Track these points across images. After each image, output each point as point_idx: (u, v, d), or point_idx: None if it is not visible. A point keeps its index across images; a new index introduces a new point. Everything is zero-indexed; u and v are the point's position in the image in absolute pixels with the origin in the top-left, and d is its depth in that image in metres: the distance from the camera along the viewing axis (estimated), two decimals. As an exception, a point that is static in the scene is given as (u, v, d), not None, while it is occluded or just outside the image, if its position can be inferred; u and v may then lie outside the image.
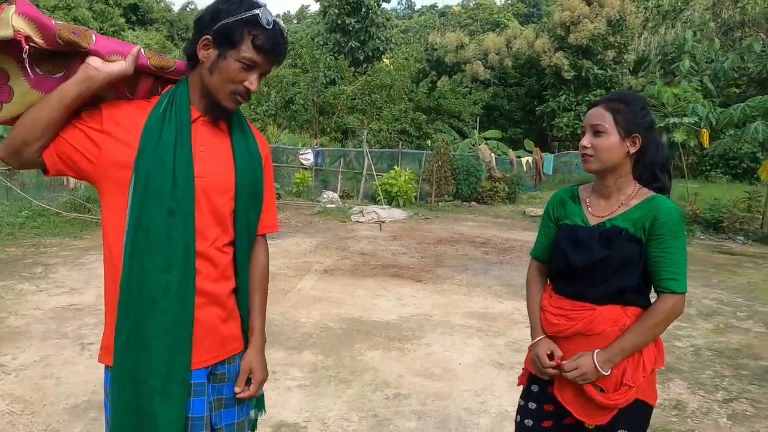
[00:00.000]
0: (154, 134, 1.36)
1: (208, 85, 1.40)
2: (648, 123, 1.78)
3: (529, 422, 1.90)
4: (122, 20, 39.64)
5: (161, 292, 1.34)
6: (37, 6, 1.59)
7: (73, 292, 5.78)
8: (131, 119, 1.39)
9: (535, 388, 1.91)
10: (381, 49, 31.25)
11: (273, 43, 1.39)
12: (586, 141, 1.79)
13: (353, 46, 30.55)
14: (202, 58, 1.39)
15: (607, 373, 1.68)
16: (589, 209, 1.85)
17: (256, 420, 1.63)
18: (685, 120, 11.98)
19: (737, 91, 25.12)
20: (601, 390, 1.70)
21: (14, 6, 1.25)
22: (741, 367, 4.48)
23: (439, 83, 26.46)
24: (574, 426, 1.81)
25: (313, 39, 26.55)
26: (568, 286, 1.81)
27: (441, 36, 34.77)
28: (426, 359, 4.33)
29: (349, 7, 30.14)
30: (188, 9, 55.33)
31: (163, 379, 1.34)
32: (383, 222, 11.60)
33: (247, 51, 1.37)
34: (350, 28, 30.48)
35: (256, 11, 1.36)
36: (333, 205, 13.47)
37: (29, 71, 1.32)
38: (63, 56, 1.35)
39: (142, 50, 1.40)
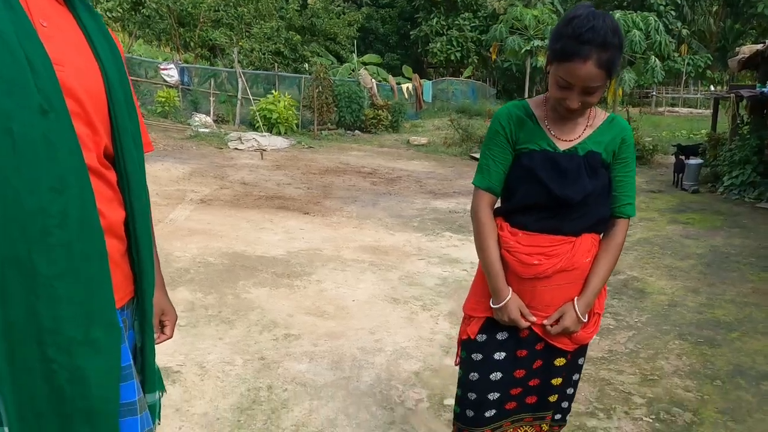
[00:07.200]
0: None
1: None
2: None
3: (497, 375, 1.67)
4: None
5: (56, 219, 0.98)
6: None
7: None
8: None
9: (502, 335, 1.66)
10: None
11: None
12: (574, 102, 1.47)
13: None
14: None
15: (586, 320, 1.62)
16: (552, 133, 1.59)
17: (160, 402, 1.36)
18: (547, 43, 12.44)
19: (581, 14, 26.78)
20: None
21: None
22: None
23: (310, 0, 25.19)
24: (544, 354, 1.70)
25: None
26: (543, 221, 1.57)
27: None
28: (317, 297, 4.06)
29: None
30: None
31: (83, 325, 1.03)
32: (264, 150, 10.96)
33: None
34: None
35: None
36: (207, 130, 12.46)
37: None
38: None
39: None
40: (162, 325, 1.40)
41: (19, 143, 0.93)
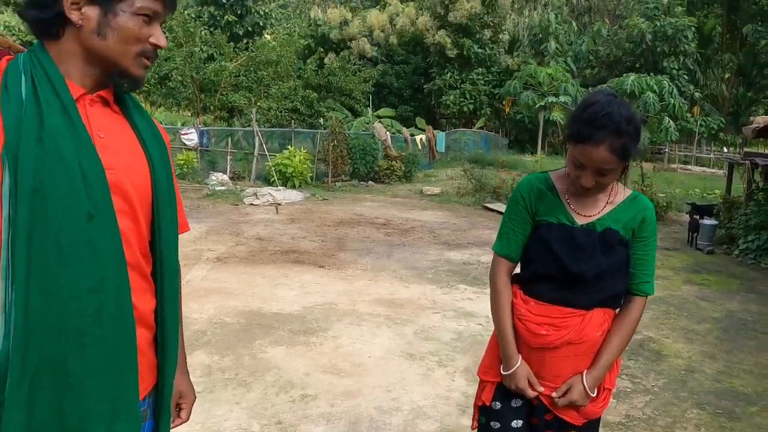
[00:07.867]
0: (31, 119, 1.01)
1: (103, 51, 1.10)
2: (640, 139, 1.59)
3: None
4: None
5: (92, 318, 1.03)
6: None
7: None
8: None
9: (516, 402, 1.69)
10: (261, 24, 29.84)
11: None
12: (588, 182, 1.54)
13: (230, 20, 28.84)
14: (77, 20, 1.08)
15: (594, 395, 1.63)
16: (572, 207, 1.64)
17: None
18: (561, 99, 12.68)
19: (592, 72, 27.23)
20: None
21: None
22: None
23: (326, 60, 25.94)
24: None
25: (183, 10, 24.46)
26: (555, 291, 1.61)
27: (323, 11, 33.97)
28: (334, 353, 4.06)
29: (219, -23, 28.27)
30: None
31: (108, 421, 1.06)
32: (279, 204, 11.11)
33: (140, 0, 1.09)
34: (223, 0, 28.81)
35: None
36: (223, 188, 12.70)
37: None
38: None
39: None
40: (179, 408, 1.38)
41: (65, 250, 1.00)
